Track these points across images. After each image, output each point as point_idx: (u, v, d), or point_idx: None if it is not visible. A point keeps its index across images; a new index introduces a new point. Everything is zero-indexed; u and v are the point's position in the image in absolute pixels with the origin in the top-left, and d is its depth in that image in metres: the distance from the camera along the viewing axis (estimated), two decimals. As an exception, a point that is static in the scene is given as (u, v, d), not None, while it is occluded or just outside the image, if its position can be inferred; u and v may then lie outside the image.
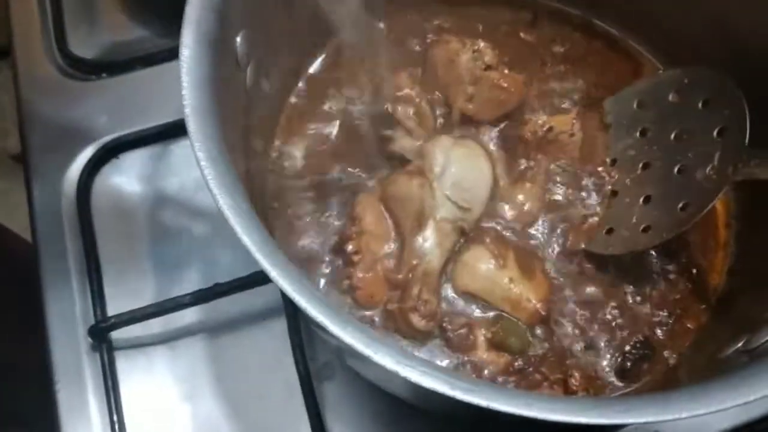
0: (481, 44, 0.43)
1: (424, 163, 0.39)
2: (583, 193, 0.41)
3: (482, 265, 0.36)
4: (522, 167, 0.42)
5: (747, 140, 0.35)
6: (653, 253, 0.39)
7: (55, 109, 0.51)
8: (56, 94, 0.51)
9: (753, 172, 0.34)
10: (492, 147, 0.42)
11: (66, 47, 0.52)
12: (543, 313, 0.36)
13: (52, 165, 0.49)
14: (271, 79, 0.40)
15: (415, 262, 0.38)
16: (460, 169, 0.39)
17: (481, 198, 0.39)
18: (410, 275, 0.37)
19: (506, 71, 0.43)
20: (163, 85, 0.51)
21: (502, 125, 0.43)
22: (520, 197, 0.40)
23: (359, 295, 0.38)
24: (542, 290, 0.38)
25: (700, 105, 0.38)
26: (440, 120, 0.43)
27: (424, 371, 0.23)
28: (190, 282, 0.46)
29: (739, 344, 0.31)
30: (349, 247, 0.39)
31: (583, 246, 0.39)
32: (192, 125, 0.27)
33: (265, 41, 0.37)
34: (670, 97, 0.40)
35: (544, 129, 0.42)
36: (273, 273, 0.25)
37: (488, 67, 0.43)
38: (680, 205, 0.37)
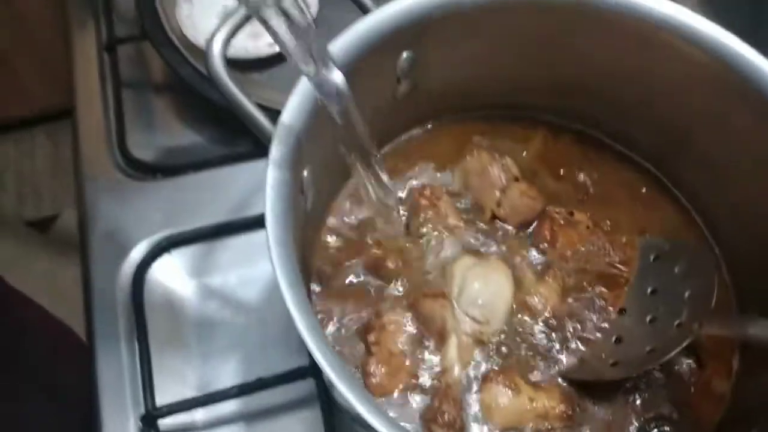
0: (508, 160, 0.50)
1: (446, 284, 0.44)
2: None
3: (502, 400, 0.41)
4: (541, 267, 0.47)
5: (712, 305, 0.41)
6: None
7: (114, 206, 0.56)
8: (115, 192, 0.57)
9: (714, 330, 0.41)
10: (518, 258, 0.47)
11: (126, 149, 0.58)
12: (569, 412, 0.41)
13: (109, 257, 0.54)
14: (316, 200, 0.45)
15: (437, 371, 0.43)
16: (477, 286, 0.44)
17: (499, 312, 0.44)
18: (433, 383, 0.42)
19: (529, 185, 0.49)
20: (212, 188, 0.57)
21: (529, 230, 0.48)
22: (538, 301, 0.46)
23: (369, 383, 0.43)
24: (557, 393, 0.42)
25: (676, 270, 0.45)
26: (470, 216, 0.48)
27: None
28: (232, 372, 0.50)
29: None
30: (371, 338, 0.44)
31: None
32: (275, 255, 0.32)
33: (319, 172, 0.43)
34: (651, 258, 0.47)
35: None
36: (341, 387, 0.30)
37: (516, 179, 0.49)
38: (648, 348, 0.42)
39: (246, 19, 0.40)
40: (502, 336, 0.44)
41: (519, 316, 0.45)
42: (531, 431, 0.41)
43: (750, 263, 0.46)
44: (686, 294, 0.44)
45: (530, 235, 0.48)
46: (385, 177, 0.41)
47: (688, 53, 0.42)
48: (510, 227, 0.48)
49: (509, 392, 0.41)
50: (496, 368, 0.43)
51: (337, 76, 0.34)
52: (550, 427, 0.41)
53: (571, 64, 0.47)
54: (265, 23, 0.32)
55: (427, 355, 0.43)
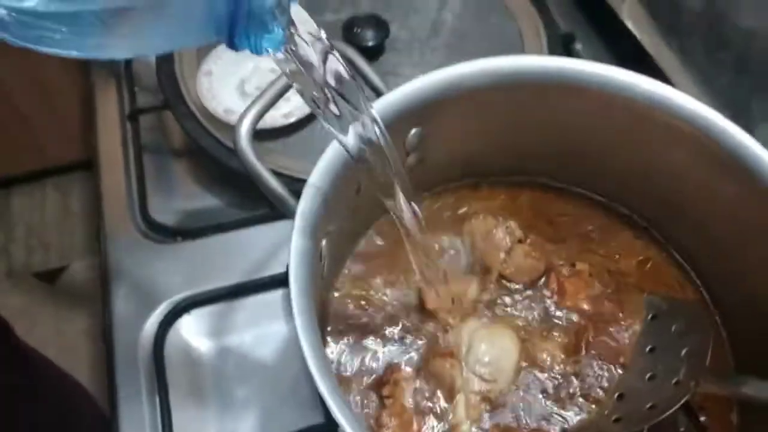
0: (512, 223, 0.53)
1: (455, 345, 0.47)
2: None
3: None
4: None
5: (708, 363, 0.44)
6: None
7: (136, 267, 0.59)
8: (137, 254, 0.60)
9: (710, 388, 0.43)
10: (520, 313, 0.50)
11: (147, 213, 0.61)
12: None
13: (131, 317, 0.57)
14: (331, 265, 0.48)
15: (446, 427, 0.45)
16: (484, 347, 0.47)
17: (506, 371, 0.46)
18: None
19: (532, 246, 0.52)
20: (229, 251, 0.60)
21: (533, 290, 0.51)
22: (546, 357, 0.48)
23: None
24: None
25: (673, 329, 0.48)
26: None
27: None
28: (247, 428, 0.53)
29: None
30: (385, 391, 0.46)
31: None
32: (300, 327, 0.35)
33: (334, 240, 0.46)
34: (650, 317, 0.49)
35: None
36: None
37: (519, 241, 0.52)
38: (648, 405, 0.44)
39: (275, 100, 0.43)
40: (509, 394, 0.46)
41: (526, 373, 0.47)
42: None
43: (746, 325, 0.49)
44: (683, 352, 0.47)
45: (538, 290, 0.51)
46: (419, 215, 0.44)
47: (679, 128, 0.46)
48: (517, 285, 0.51)
49: None
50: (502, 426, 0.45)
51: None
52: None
53: (569, 138, 0.51)
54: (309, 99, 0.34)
55: (438, 411, 0.46)
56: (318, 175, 0.41)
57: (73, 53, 0.27)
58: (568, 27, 0.74)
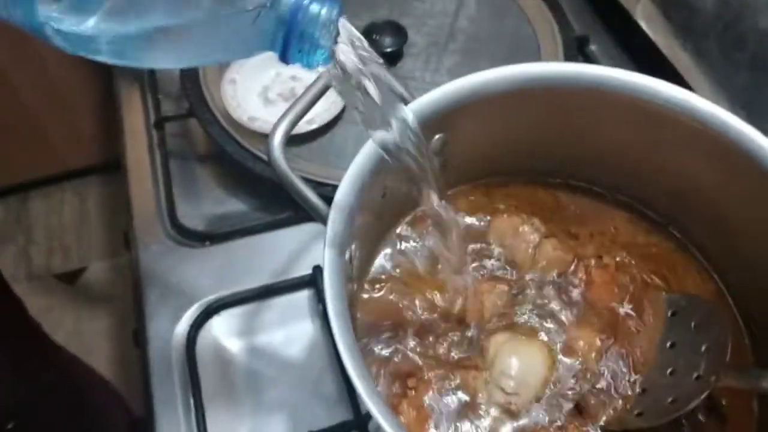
0: (536, 220, 0.54)
1: (480, 358, 0.48)
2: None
3: None
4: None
5: (728, 358, 0.45)
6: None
7: (166, 272, 0.61)
8: (167, 259, 0.62)
9: (730, 383, 0.45)
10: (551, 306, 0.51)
11: (176, 219, 0.63)
12: None
13: (164, 320, 0.59)
14: (358, 266, 0.50)
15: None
16: (508, 360, 0.48)
17: (530, 384, 0.47)
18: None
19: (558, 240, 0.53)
20: (258, 253, 0.62)
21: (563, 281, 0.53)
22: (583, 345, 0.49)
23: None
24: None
25: (692, 325, 0.49)
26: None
27: None
28: (279, 425, 0.54)
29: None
30: (410, 383, 0.48)
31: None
32: (336, 327, 0.37)
33: (362, 243, 0.48)
34: (670, 314, 0.51)
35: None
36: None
37: (546, 236, 0.53)
38: (669, 399, 0.46)
39: (307, 110, 0.45)
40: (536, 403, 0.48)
41: (556, 373, 0.48)
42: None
43: (765, 319, 0.50)
44: (703, 348, 0.48)
45: (567, 281, 0.52)
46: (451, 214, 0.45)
47: (695, 130, 0.47)
48: (549, 278, 0.52)
49: None
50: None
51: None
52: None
53: (588, 140, 0.52)
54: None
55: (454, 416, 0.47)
56: (347, 187, 0.43)
57: (128, 63, 0.29)
58: (582, 28, 0.75)
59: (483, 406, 0.47)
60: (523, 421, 0.46)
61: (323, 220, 0.42)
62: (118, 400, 0.86)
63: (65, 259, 1.59)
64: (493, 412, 0.47)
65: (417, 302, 0.50)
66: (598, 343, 0.50)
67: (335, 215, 0.41)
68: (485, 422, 0.46)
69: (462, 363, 0.48)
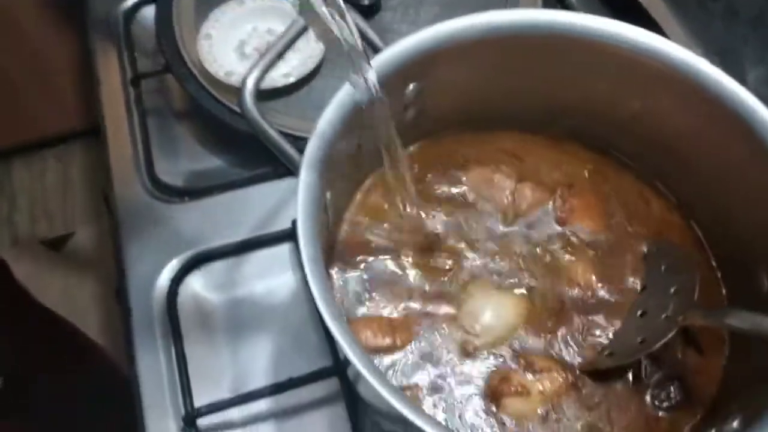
0: (504, 168, 0.55)
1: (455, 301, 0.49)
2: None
3: (515, 407, 0.46)
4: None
5: (696, 298, 0.46)
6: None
7: (146, 227, 0.61)
8: (146, 215, 0.62)
9: (697, 321, 0.46)
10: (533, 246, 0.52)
11: (154, 175, 0.63)
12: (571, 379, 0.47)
13: (144, 276, 0.59)
14: (334, 216, 0.50)
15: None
16: (478, 303, 0.49)
17: (494, 330, 0.48)
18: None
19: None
20: (237, 208, 0.62)
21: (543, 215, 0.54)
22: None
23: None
24: (555, 369, 0.47)
25: (662, 268, 0.51)
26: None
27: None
28: (261, 374, 0.55)
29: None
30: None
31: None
32: (310, 273, 0.37)
33: (337, 193, 0.48)
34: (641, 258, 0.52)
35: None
36: (370, 378, 0.35)
37: (520, 180, 0.54)
38: (639, 339, 0.47)
39: (276, 59, 0.45)
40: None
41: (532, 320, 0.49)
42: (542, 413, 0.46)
43: (735, 262, 0.51)
44: (672, 290, 0.49)
45: (547, 215, 0.54)
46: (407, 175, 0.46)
47: (669, 76, 0.48)
48: (533, 217, 0.53)
49: (520, 398, 0.46)
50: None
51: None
52: (559, 402, 0.46)
53: (562, 88, 0.52)
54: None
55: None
56: (323, 124, 0.43)
57: None
58: (561, -21, 0.74)
59: (442, 342, 0.48)
60: (477, 362, 0.48)
61: (295, 169, 0.42)
62: (106, 360, 0.87)
63: (50, 225, 1.58)
64: (451, 346, 0.48)
65: (389, 243, 0.51)
66: (586, 279, 0.51)
67: (309, 158, 0.41)
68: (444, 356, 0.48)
69: (435, 300, 0.49)
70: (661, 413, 0.47)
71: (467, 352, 0.47)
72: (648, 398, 0.47)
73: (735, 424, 0.40)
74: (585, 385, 0.47)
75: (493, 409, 0.46)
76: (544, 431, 0.45)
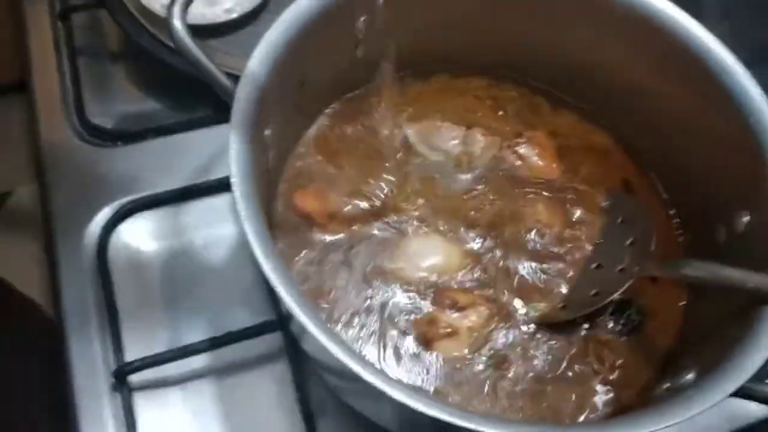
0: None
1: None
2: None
3: (447, 348, 0.44)
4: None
5: (652, 249, 0.46)
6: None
7: (75, 173, 0.57)
8: (76, 159, 0.57)
9: (653, 272, 0.45)
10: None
11: (85, 117, 0.58)
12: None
13: (73, 224, 0.55)
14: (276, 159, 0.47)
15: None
16: (412, 242, 0.48)
17: (418, 265, 0.47)
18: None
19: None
20: (173, 154, 0.58)
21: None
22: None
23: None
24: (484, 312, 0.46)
25: (618, 221, 0.49)
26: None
27: (430, 404, 0.31)
28: (198, 329, 0.52)
29: (665, 386, 0.39)
30: None
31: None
32: (241, 208, 0.34)
33: (280, 128, 0.45)
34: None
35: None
36: (312, 328, 0.32)
37: (468, 127, 0.52)
38: (593, 292, 0.46)
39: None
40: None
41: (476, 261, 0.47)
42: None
43: (693, 213, 0.50)
44: (628, 241, 0.48)
45: (499, 160, 0.52)
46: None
47: (622, 15, 0.46)
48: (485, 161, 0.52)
49: (450, 339, 0.44)
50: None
51: None
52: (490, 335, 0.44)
53: (517, 27, 0.50)
54: None
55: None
56: (256, 62, 0.39)
57: None
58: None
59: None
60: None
61: (232, 100, 0.39)
62: (41, 317, 0.82)
63: (-13, 183, 1.50)
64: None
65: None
66: (541, 225, 0.49)
67: (243, 88, 0.37)
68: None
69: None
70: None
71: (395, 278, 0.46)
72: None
73: (689, 376, 0.38)
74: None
75: (428, 354, 0.44)
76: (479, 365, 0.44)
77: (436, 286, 0.46)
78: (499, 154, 0.51)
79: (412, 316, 0.45)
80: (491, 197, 0.50)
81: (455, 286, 0.46)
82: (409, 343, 0.44)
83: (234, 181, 0.35)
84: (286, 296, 0.33)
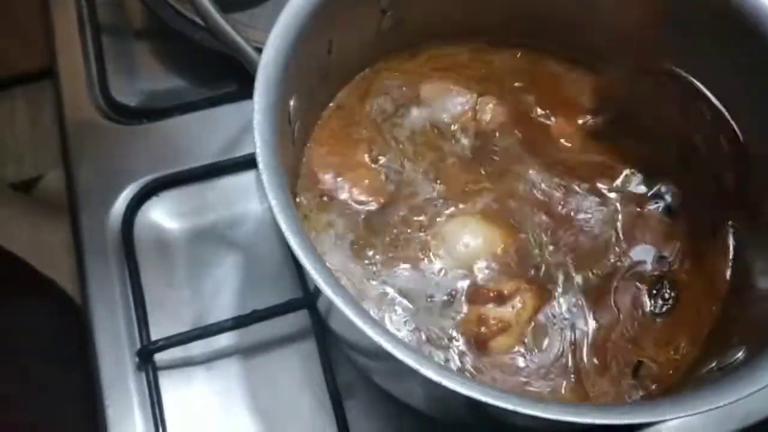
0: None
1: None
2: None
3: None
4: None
5: None
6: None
7: (99, 152, 0.56)
8: (100, 138, 0.57)
9: None
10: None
11: (109, 95, 0.58)
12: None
13: (97, 203, 0.54)
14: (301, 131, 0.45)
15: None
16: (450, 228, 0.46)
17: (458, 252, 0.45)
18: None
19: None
20: (199, 131, 0.57)
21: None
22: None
23: None
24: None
25: None
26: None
27: (463, 382, 0.29)
28: (224, 308, 0.51)
29: (712, 365, 0.37)
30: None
31: None
32: (266, 179, 0.33)
33: (305, 99, 0.43)
34: None
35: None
36: (339, 302, 0.31)
37: (480, 95, 0.50)
38: None
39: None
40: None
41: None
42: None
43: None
44: None
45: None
46: None
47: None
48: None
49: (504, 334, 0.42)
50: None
51: None
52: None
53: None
54: None
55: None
56: (281, 28, 0.38)
57: None
58: None
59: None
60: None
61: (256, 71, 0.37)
62: (64, 297, 0.82)
63: (19, 168, 1.51)
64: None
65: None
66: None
67: (268, 57, 0.36)
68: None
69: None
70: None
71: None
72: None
73: (739, 355, 0.36)
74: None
75: (484, 356, 0.42)
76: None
77: (473, 276, 0.44)
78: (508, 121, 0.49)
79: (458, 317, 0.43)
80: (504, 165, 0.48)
81: (493, 274, 0.44)
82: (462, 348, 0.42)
83: (258, 151, 0.34)
84: (312, 271, 0.31)
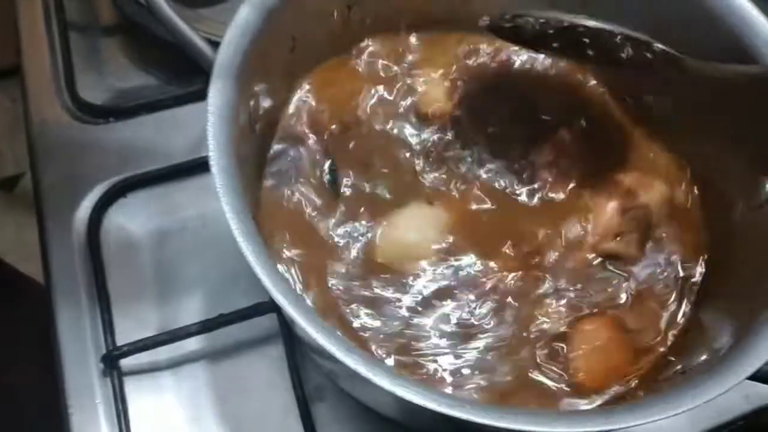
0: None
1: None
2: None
3: None
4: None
5: None
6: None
7: (66, 151, 0.55)
8: (66, 137, 0.55)
9: None
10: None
11: (76, 93, 0.56)
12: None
13: (64, 203, 0.53)
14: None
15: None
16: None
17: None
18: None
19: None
20: (167, 130, 0.56)
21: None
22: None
23: None
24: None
25: None
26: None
27: (417, 391, 0.28)
28: (192, 312, 0.50)
29: (678, 367, 0.36)
30: None
31: None
32: (218, 182, 0.32)
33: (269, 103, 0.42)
34: None
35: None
36: (295, 316, 0.30)
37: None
38: None
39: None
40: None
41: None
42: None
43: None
44: None
45: None
46: None
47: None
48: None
49: None
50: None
51: None
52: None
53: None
54: None
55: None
56: (238, 26, 0.37)
57: None
58: None
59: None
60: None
61: (211, 69, 0.36)
62: (36, 294, 0.81)
63: (1, 165, 1.49)
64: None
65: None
66: None
67: (223, 56, 0.35)
68: None
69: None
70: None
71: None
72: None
73: (702, 358, 0.36)
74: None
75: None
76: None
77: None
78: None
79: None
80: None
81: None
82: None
83: (212, 154, 0.33)
84: (262, 274, 0.30)
